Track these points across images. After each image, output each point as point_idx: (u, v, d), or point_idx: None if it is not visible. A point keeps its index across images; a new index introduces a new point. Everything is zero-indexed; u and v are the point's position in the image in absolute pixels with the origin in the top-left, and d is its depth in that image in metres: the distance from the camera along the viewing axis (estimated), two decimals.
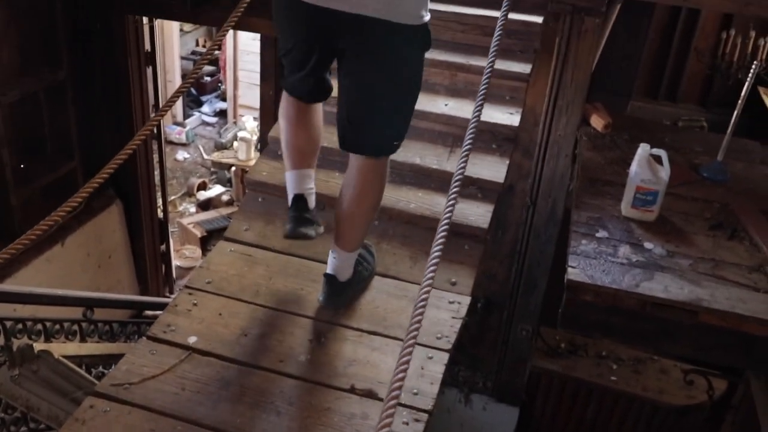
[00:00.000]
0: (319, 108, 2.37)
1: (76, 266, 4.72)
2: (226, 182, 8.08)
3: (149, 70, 5.04)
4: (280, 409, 2.04)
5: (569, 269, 2.61)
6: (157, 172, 5.43)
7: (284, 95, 2.35)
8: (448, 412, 4.05)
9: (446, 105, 2.87)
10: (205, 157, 8.63)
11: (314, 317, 2.36)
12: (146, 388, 2.07)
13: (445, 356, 2.24)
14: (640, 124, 3.76)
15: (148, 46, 4.94)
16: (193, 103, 9.37)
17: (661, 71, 5.07)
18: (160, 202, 5.66)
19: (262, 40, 4.30)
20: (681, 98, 5.11)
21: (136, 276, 5.35)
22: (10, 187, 4.23)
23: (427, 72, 2.89)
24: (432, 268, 1.52)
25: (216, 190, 7.89)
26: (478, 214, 2.61)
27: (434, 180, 2.67)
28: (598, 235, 2.81)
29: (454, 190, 1.72)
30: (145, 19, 4.85)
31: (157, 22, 5.47)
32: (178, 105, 8.64)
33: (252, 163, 7.55)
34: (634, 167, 2.87)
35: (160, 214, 5.65)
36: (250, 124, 8.07)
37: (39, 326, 2.85)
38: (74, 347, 2.93)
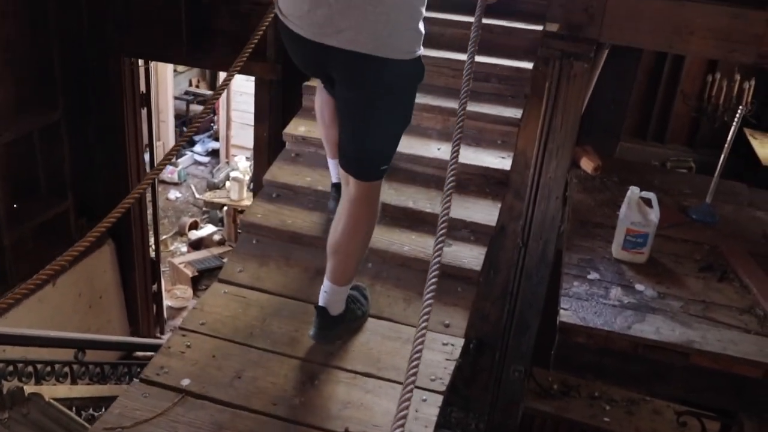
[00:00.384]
0: None
1: (68, 306, 4.70)
2: (217, 222, 8.09)
3: (143, 111, 5.09)
4: None
5: (561, 311, 2.63)
6: (149, 211, 5.44)
7: (317, 92, 2.54)
8: None
9: (438, 149, 2.90)
10: (197, 196, 8.65)
11: (308, 359, 2.35)
12: None
13: (440, 398, 2.23)
14: (630, 166, 3.82)
15: (143, 88, 4.98)
16: (186, 143, 9.41)
17: (649, 113, 5.16)
18: (152, 241, 5.65)
19: (256, 82, 4.35)
20: (669, 139, 5.19)
21: (126, 316, 5.32)
22: (3, 227, 4.23)
23: (420, 117, 2.95)
24: (426, 310, 1.54)
25: (208, 229, 7.89)
26: (471, 256, 2.62)
27: (427, 223, 2.68)
28: (589, 276, 2.84)
29: (441, 232, 1.75)
30: (140, 61, 4.91)
31: (152, 63, 5.53)
32: (170, 143, 8.69)
33: (244, 202, 7.58)
34: (624, 210, 2.91)
35: (152, 254, 5.64)
36: (242, 164, 8.12)
37: (30, 368, 2.84)
38: (65, 390, 2.92)
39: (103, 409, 2.58)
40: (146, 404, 2.14)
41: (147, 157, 5.39)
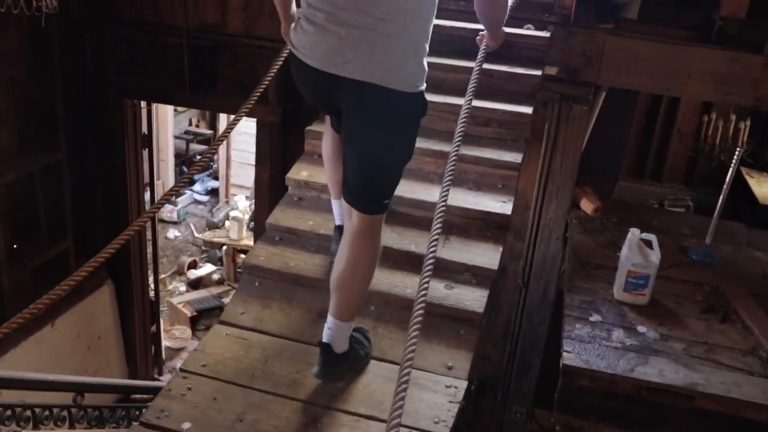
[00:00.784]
0: None
1: (66, 348, 4.66)
2: (217, 261, 8.07)
3: (145, 152, 5.12)
4: None
5: (564, 354, 2.62)
6: (149, 250, 5.43)
7: (325, 131, 2.57)
8: None
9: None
10: (196, 235, 8.65)
11: (310, 401, 2.34)
12: None
13: None
14: (629, 207, 3.84)
15: (144, 129, 5.03)
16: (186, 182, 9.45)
17: (647, 153, 5.21)
18: (151, 280, 5.64)
19: (258, 124, 4.38)
20: (666, 178, 5.22)
21: (125, 357, 5.28)
22: (3, 267, 4.22)
23: (422, 161, 2.98)
24: (411, 348, 1.57)
25: (207, 269, 7.87)
26: (473, 299, 2.62)
27: None
28: (591, 318, 2.84)
29: (427, 270, 1.81)
30: (143, 103, 4.96)
31: (154, 104, 5.59)
32: (170, 182, 8.72)
33: (244, 242, 7.58)
34: (624, 252, 2.92)
35: (151, 294, 5.62)
36: (242, 204, 8.13)
37: (28, 412, 2.80)
38: None
39: None
40: None
41: (147, 196, 5.41)
